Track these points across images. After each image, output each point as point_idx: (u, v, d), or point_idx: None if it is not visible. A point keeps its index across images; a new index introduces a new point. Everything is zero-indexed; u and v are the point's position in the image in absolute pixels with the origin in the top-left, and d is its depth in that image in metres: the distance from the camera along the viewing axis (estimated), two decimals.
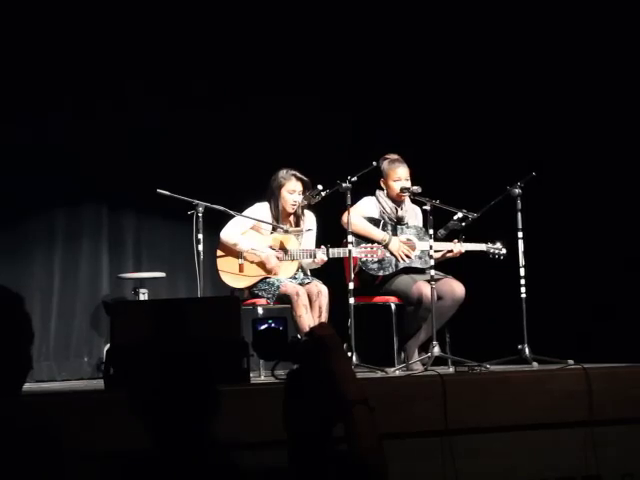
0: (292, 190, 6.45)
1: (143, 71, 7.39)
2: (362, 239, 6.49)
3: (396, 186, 6.53)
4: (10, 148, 7.00)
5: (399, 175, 6.53)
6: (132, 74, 7.36)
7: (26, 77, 7.08)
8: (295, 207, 6.45)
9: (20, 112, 7.06)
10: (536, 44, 7.34)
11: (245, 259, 6.40)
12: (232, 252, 6.43)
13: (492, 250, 6.61)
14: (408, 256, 6.55)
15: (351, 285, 6.14)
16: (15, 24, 7.05)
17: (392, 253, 6.52)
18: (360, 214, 6.54)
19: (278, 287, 6.29)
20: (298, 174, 6.46)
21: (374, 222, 6.60)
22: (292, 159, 6.62)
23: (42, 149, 7.15)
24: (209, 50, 7.53)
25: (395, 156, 6.60)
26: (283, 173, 6.48)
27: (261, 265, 6.40)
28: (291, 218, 6.53)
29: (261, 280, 6.38)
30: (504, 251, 6.59)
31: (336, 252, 6.35)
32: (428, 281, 6.25)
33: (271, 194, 6.49)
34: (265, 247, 6.42)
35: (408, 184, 6.51)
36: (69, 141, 7.21)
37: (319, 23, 7.66)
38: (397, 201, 6.64)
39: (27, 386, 6.78)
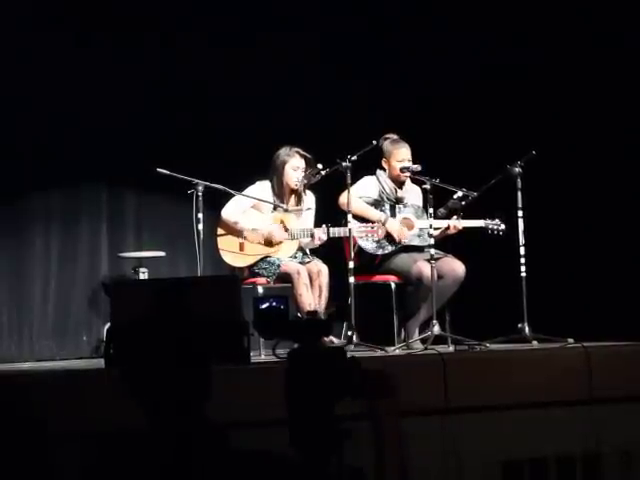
0: (296, 167, 6.44)
1: (140, 49, 7.35)
2: (360, 220, 6.48)
3: (399, 167, 6.51)
4: (11, 126, 6.98)
5: (402, 156, 6.51)
6: (128, 53, 7.33)
7: None
8: (298, 184, 6.43)
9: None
10: (535, 21, 7.31)
11: (246, 238, 6.40)
12: (233, 231, 6.42)
13: (491, 226, 6.59)
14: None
15: (351, 264, 6.13)
16: None
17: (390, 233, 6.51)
18: (359, 194, 6.52)
19: (279, 266, 6.29)
20: (301, 151, 6.44)
21: (372, 202, 6.58)
22: (292, 138, 6.60)
23: (42, 126, 7.13)
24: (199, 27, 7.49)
25: (395, 136, 6.58)
26: (286, 150, 6.46)
27: (262, 244, 6.39)
28: (293, 196, 6.52)
29: (261, 259, 6.38)
30: (503, 226, 6.57)
31: (336, 231, 6.34)
32: (428, 260, 6.25)
33: (274, 171, 6.47)
34: (267, 224, 6.41)
35: (409, 164, 6.50)
36: (69, 119, 7.19)
37: None
38: (398, 181, 6.62)
39: (27, 365, 6.75)
